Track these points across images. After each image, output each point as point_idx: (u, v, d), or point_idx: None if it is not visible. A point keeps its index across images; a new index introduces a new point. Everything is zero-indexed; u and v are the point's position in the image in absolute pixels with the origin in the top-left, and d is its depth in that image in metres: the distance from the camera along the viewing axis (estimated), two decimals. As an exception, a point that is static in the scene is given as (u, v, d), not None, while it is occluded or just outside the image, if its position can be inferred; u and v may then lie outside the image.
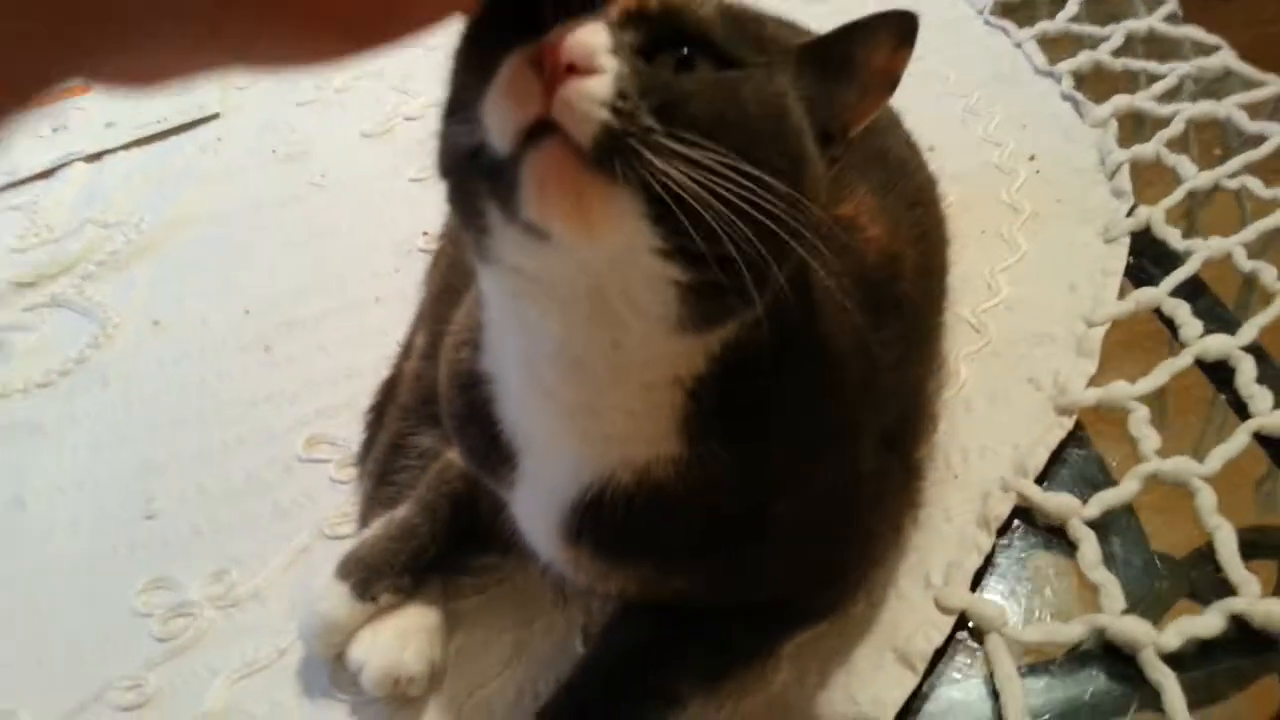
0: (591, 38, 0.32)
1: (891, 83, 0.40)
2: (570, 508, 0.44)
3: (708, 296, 0.35)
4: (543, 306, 0.38)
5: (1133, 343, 0.65)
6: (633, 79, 0.32)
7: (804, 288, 0.41)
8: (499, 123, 0.32)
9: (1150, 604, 0.51)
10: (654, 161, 0.31)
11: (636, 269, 0.34)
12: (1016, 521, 0.56)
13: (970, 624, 0.51)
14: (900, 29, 0.39)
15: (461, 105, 0.34)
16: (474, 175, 0.34)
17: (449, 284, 0.63)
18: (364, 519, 0.58)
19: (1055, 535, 0.55)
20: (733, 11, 0.37)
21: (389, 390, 0.65)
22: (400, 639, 0.52)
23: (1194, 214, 0.74)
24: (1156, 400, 0.61)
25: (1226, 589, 0.51)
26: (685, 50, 0.34)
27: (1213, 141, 0.79)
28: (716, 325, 0.38)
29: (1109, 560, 0.53)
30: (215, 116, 1.03)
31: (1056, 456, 0.58)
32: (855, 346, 0.47)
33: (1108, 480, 0.57)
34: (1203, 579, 0.52)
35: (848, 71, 0.39)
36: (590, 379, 0.39)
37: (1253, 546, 0.54)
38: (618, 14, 0.33)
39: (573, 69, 0.31)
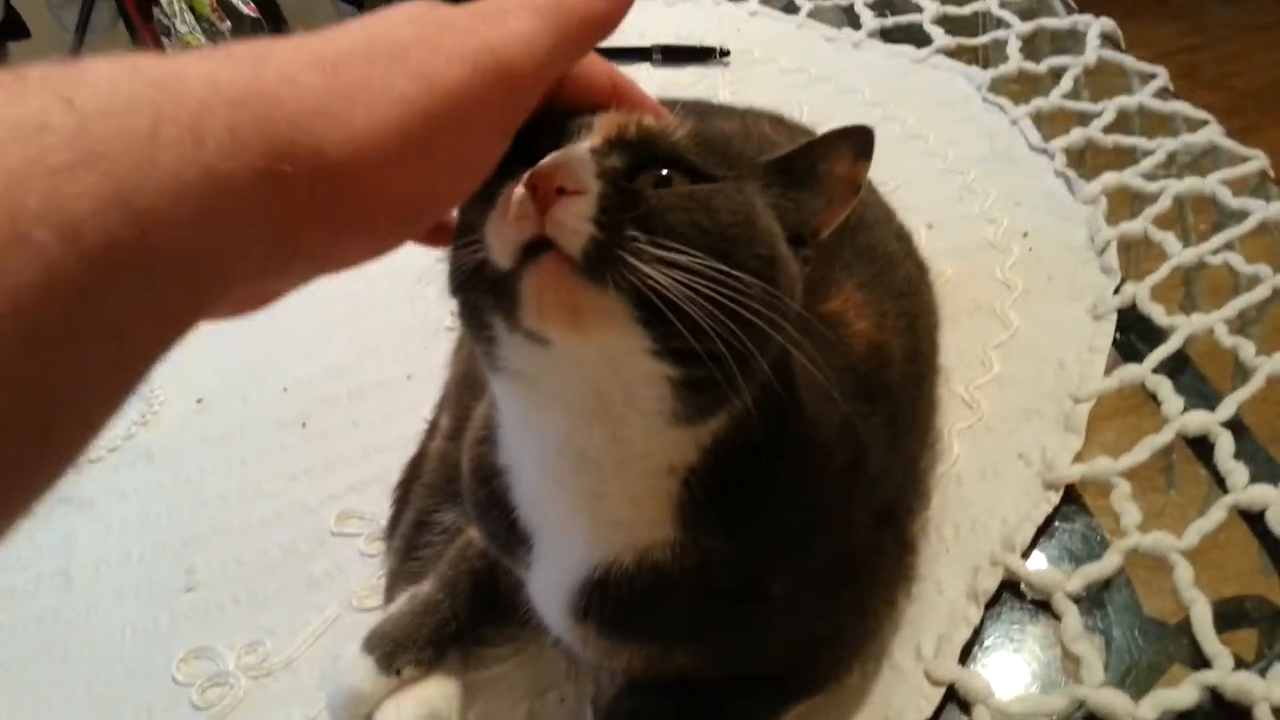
0: (577, 163, 0.37)
1: (853, 190, 0.45)
2: (578, 588, 0.47)
3: (698, 390, 0.39)
4: (548, 407, 0.42)
5: (1120, 417, 0.68)
6: (615, 196, 0.37)
7: (788, 381, 0.45)
8: (501, 242, 0.37)
9: (1138, 673, 0.54)
10: (638, 266, 0.35)
11: (630, 368, 0.38)
12: (1005, 594, 0.59)
13: (959, 695, 0.54)
14: (858, 142, 0.44)
15: (469, 229, 0.39)
16: (480, 291, 0.39)
17: (470, 369, 0.67)
18: (390, 593, 0.62)
19: (1041, 608, 0.58)
20: (705, 134, 0.42)
21: (415, 468, 0.69)
22: (422, 711, 0.55)
23: (1190, 287, 0.77)
24: (1161, 472, 0.64)
25: (1205, 661, 0.53)
26: (663, 171, 0.39)
27: (1201, 217, 0.82)
28: (708, 417, 0.41)
29: (1096, 631, 0.56)
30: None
31: (1044, 530, 0.61)
32: (841, 433, 0.50)
33: (1093, 553, 0.59)
34: (1185, 649, 0.55)
35: (812, 181, 0.44)
36: (594, 469, 0.43)
37: (1235, 618, 0.57)
38: (601, 141, 0.39)
39: (562, 191, 0.36)
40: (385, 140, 0.33)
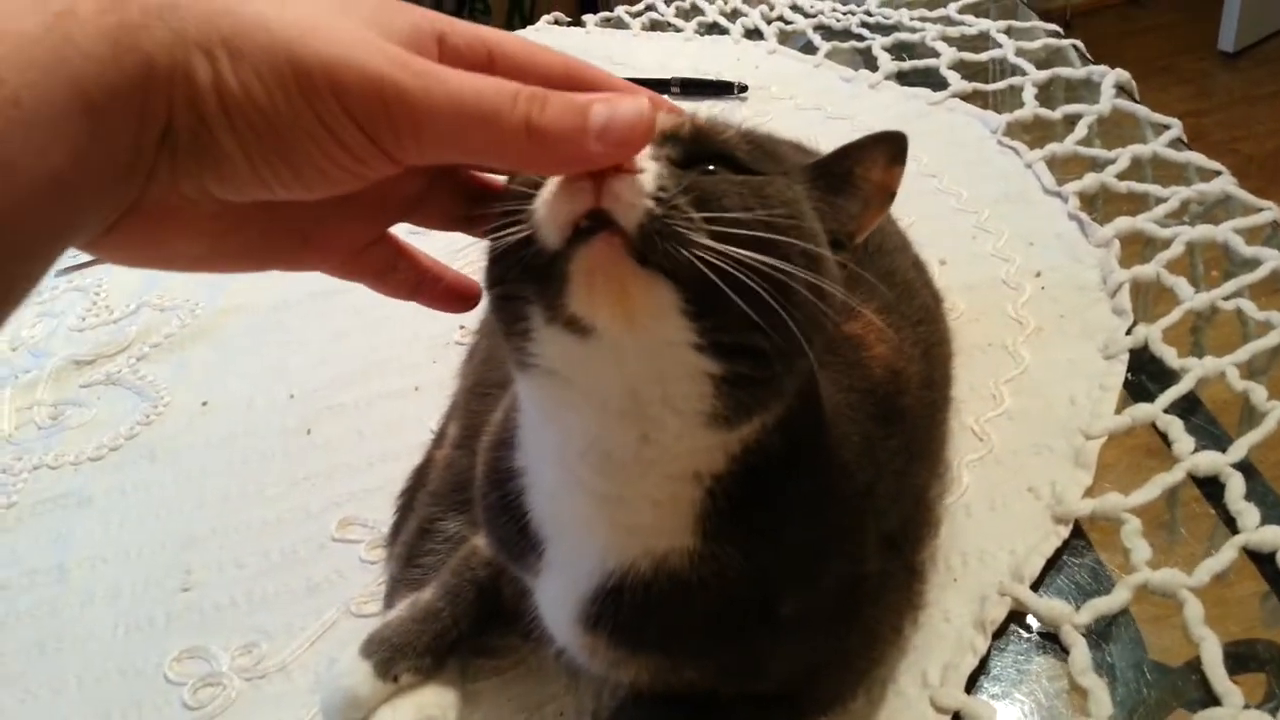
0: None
1: (888, 196, 0.45)
2: (590, 596, 0.47)
3: (738, 387, 0.39)
4: (578, 405, 0.42)
5: (1131, 456, 0.68)
6: (671, 177, 0.37)
7: (813, 399, 0.45)
8: (552, 218, 0.37)
9: (1141, 712, 0.53)
10: (695, 241, 0.36)
11: (673, 362, 0.38)
12: (1012, 625, 0.58)
13: (964, 725, 0.53)
14: (892, 148, 0.45)
15: (510, 214, 0.39)
16: (519, 279, 0.39)
17: (482, 378, 0.67)
18: (390, 599, 0.61)
19: (1049, 640, 0.57)
20: (753, 135, 0.43)
21: (420, 476, 0.68)
22: (418, 718, 0.54)
23: (1200, 331, 0.77)
24: (1165, 513, 0.63)
25: (1214, 700, 0.52)
26: (712, 166, 0.40)
27: (1213, 263, 0.82)
28: (743, 419, 0.41)
29: (1103, 667, 0.55)
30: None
31: (1053, 563, 0.61)
32: (860, 454, 0.50)
33: (1102, 588, 0.59)
34: (1193, 689, 0.54)
35: (849, 186, 0.45)
36: (619, 471, 0.43)
37: (1245, 660, 0.56)
38: (656, 134, 0.39)
39: (619, 168, 0.36)
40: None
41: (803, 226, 0.40)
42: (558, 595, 0.49)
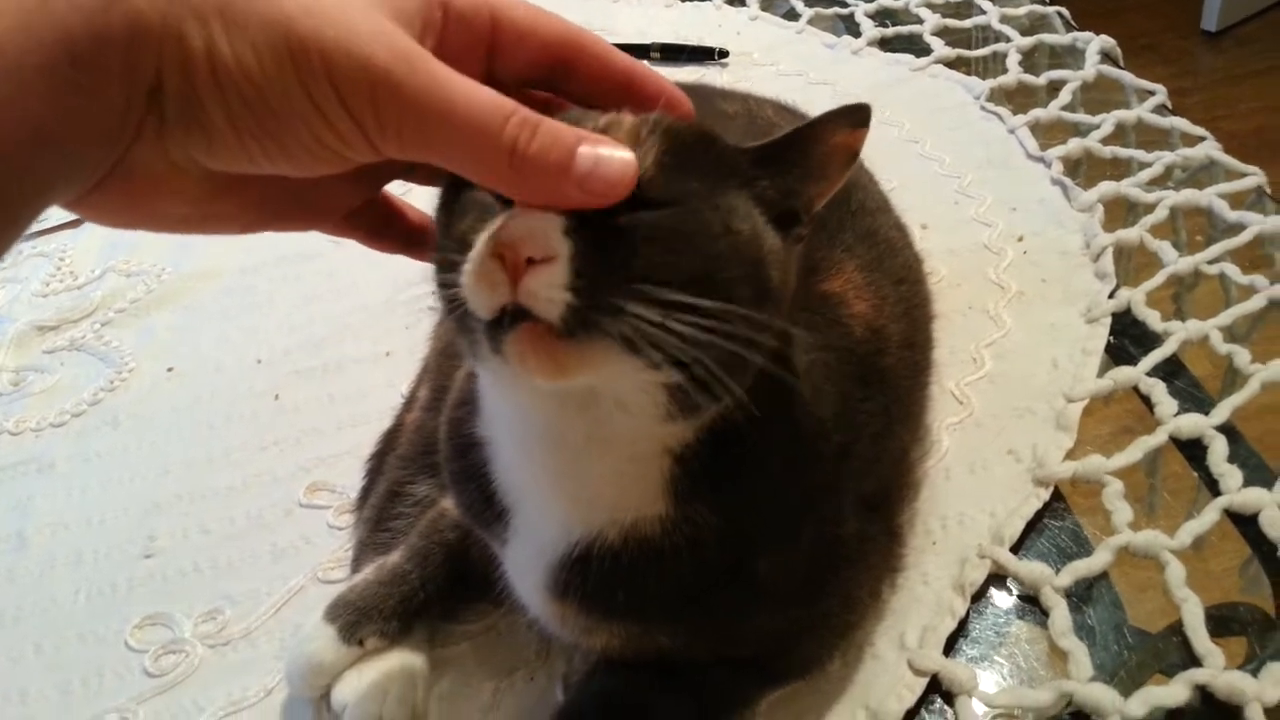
0: (543, 224, 0.35)
1: (850, 156, 0.42)
2: (557, 564, 0.45)
3: (696, 389, 0.38)
4: (531, 399, 0.41)
5: (1114, 421, 0.67)
6: (586, 255, 0.35)
7: (789, 360, 0.44)
8: (476, 302, 0.36)
9: (1121, 675, 0.53)
10: (618, 321, 0.35)
11: (623, 381, 0.38)
12: (991, 588, 0.57)
13: (942, 686, 0.52)
14: (854, 116, 0.41)
15: (448, 264, 0.38)
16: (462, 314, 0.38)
17: (453, 340, 0.66)
18: (357, 564, 0.60)
19: (1029, 603, 0.56)
20: (676, 147, 0.39)
21: (390, 439, 0.67)
22: (384, 684, 0.53)
23: (1181, 297, 0.76)
24: (1145, 477, 0.63)
25: (1195, 661, 0.52)
26: (631, 204, 0.37)
27: (1197, 229, 0.81)
28: (701, 412, 0.40)
29: (1082, 630, 0.54)
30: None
31: (1033, 526, 0.60)
32: (838, 414, 0.49)
33: (1082, 551, 0.58)
34: (1173, 652, 0.53)
35: (806, 158, 0.41)
36: (576, 455, 0.42)
37: (1226, 623, 0.56)
38: None
39: (531, 261, 0.35)
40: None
41: (732, 250, 0.38)
42: (525, 563, 0.48)
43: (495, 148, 0.34)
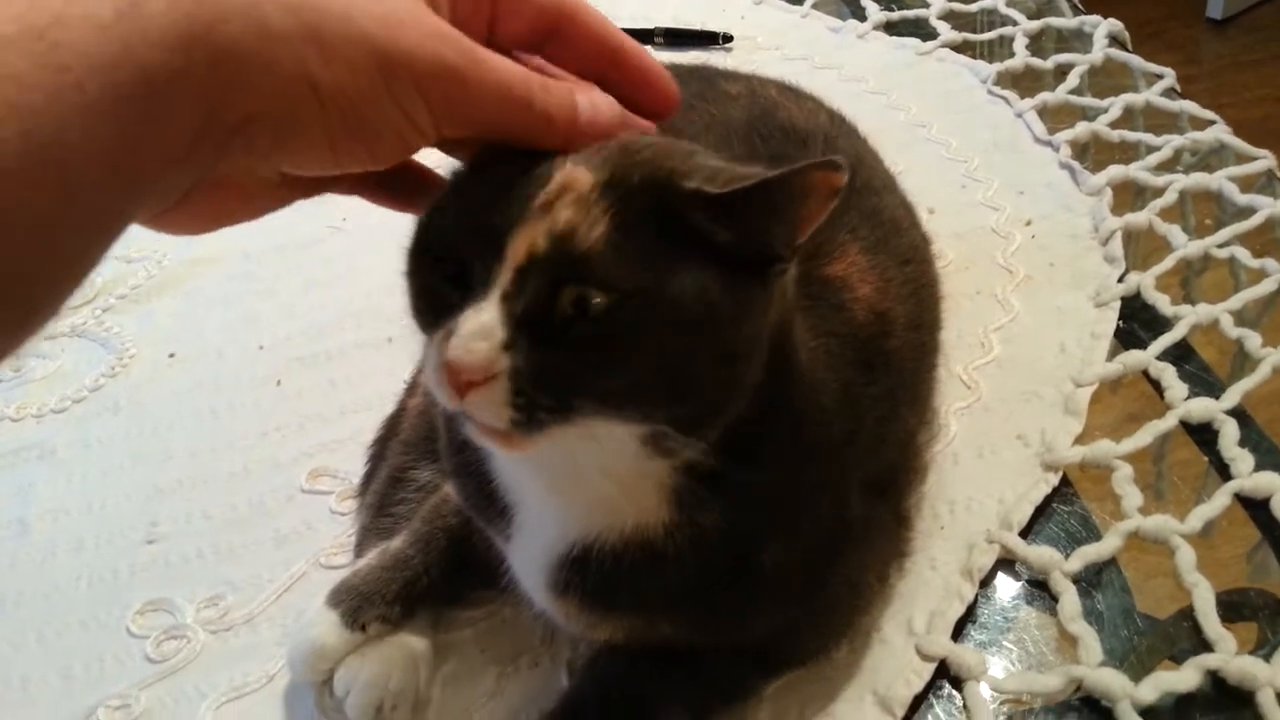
0: (480, 352, 0.36)
1: (831, 194, 0.38)
2: (556, 563, 0.45)
3: (669, 437, 0.39)
4: None
5: (1121, 405, 0.66)
6: (528, 369, 0.36)
7: (788, 353, 0.44)
8: (436, 393, 0.38)
9: (1131, 660, 0.52)
10: (567, 417, 0.37)
11: (592, 437, 0.39)
12: (1000, 573, 0.57)
13: (951, 671, 0.52)
14: (830, 164, 0.38)
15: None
16: None
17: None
18: (360, 549, 0.59)
19: (1038, 588, 0.56)
20: (626, 215, 0.37)
21: (392, 425, 0.66)
22: (386, 669, 0.52)
23: (1192, 281, 0.76)
24: (1154, 464, 0.62)
25: (1205, 647, 0.51)
26: (580, 288, 0.37)
27: (1206, 213, 0.81)
28: (693, 442, 0.40)
29: (1091, 615, 0.54)
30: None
31: (1042, 511, 0.59)
32: (840, 402, 0.48)
33: (1091, 536, 0.57)
34: (1183, 637, 0.53)
35: (778, 207, 0.39)
36: (569, 476, 0.43)
37: (1236, 608, 0.55)
38: (511, 277, 0.37)
39: (471, 383, 0.36)
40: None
41: (681, 345, 0.38)
42: (527, 560, 0.48)
43: (530, 112, 0.39)
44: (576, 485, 0.43)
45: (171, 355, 0.81)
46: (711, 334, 0.38)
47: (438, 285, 0.39)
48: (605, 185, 0.38)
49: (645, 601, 0.46)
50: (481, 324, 0.36)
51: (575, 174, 0.38)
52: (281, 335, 0.81)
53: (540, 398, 0.36)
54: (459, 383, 0.36)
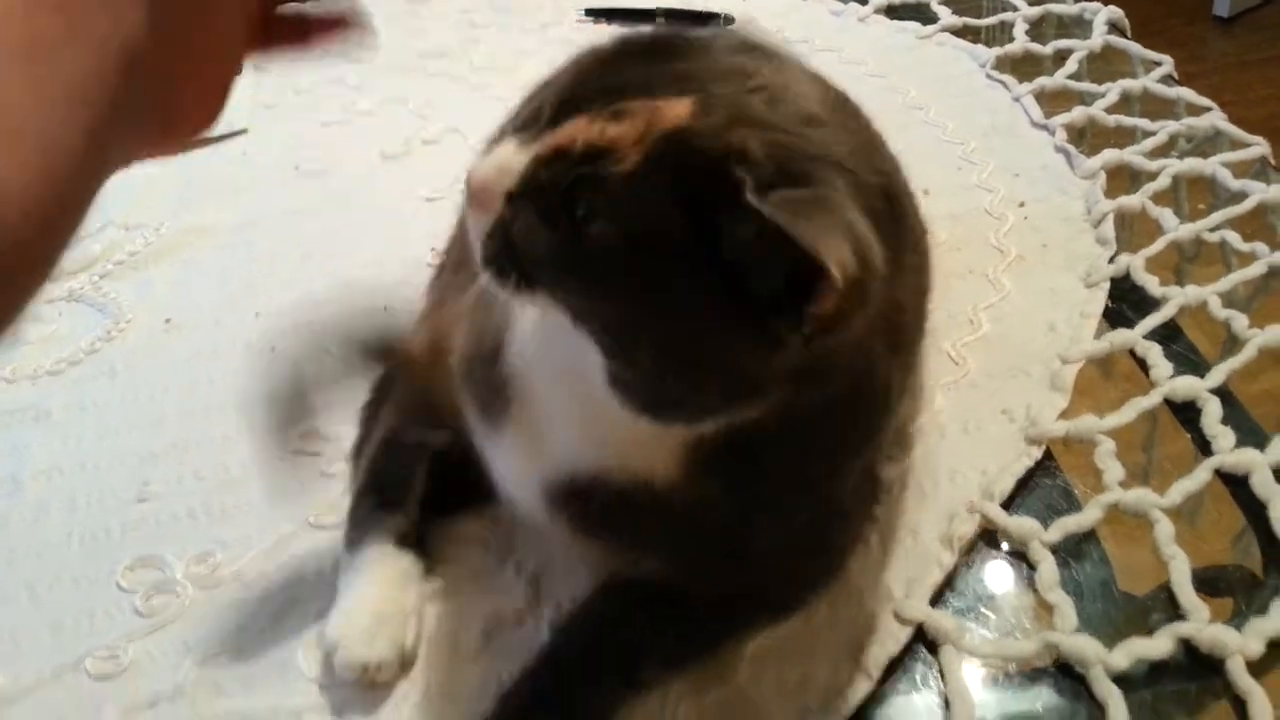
0: (493, 180, 0.40)
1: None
2: (555, 481, 0.47)
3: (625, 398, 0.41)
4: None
5: (1107, 383, 0.67)
6: (516, 227, 0.40)
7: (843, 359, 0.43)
8: None
9: (1108, 631, 0.52)
10: (528, 296, 0.41)
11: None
12: (981, 544, 0.57)
13: (928, 636, 0.52)
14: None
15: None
16: None
17: (445, 295, 0.66)
18: (354, 511, 0.60)
19: (1017, 558, 0.56)
20: (675, 167, 0.37)
21: (384, 388, 0.67)
22: (375, 625, 0.53)
23: (1183, 265, 0.76)
24: (1140, 446, 0.62)
25: (1181, 620, 0.52)
26: (590, 202, 0.37)
27: (1199, 199, 0.81)
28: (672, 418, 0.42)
29: (1069, 586, 0.54)
30: (243, 132, 1.06)
31: (1024, 484, 0.60)
32: (877, 387, 0.48)
33: (1073, 509, 0.58)
34: (1159, 609, 0.53)
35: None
36: (600, 411, 0.42)
37: (1214, 584, 0.56)
38: (546, 150, 0.39)
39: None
40: None
41: (635, 312, 0.39)
42: (520, 462, 0.49)
43: None
44: (596, 423, 0.44)
45: (168, 321, 0.82)
46: (675, 326, 0.39)
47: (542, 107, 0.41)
48: (680, 130, 0.37)
49: (636, 537, 0.47)
50: (503, 160, 0.39)
51: (672, 107, 0.37)
52: (278, 304, 0.82)
53: (506, 263, 0.40)
54: (470, 192, 0.40)
